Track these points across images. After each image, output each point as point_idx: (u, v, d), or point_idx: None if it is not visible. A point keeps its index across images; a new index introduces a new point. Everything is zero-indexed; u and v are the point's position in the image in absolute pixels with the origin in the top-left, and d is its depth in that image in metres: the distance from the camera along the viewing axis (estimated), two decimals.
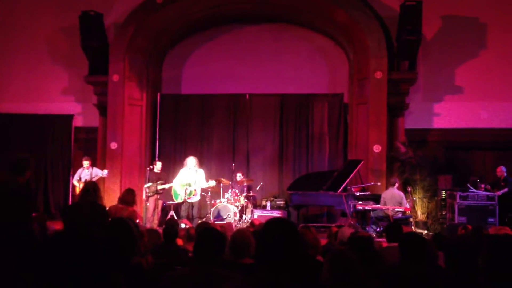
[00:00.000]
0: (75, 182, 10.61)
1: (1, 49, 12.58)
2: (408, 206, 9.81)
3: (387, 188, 10.23)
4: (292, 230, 2.17)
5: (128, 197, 7.11)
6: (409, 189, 10.41)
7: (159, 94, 12.48)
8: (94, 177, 10.41)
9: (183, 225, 8.75)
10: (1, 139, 12.20)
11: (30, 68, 12.51)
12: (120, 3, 11.89)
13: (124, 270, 2.38)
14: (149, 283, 3.25)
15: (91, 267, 1.98)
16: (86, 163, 10.52)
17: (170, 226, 5.07)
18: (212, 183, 10.39)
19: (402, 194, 9.92)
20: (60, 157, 12.26)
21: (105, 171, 10.48)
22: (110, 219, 4.89)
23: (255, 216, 10.34)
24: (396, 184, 10.00)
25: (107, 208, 5.86)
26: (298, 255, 2.16)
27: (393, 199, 9.79)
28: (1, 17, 12.59)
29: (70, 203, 11.78)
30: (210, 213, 10.42)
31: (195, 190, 10.19)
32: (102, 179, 10.75)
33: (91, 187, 5.68)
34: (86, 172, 10.49)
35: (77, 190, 10.51)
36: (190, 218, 10.10)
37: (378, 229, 9.47)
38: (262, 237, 2.21)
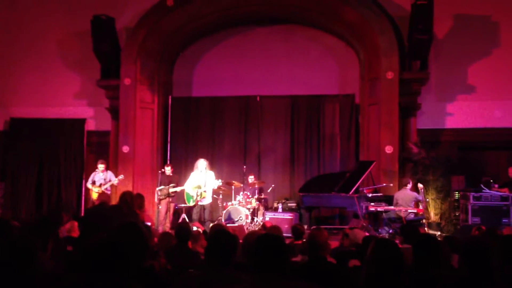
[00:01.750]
0: (89, 186, 10.67)
1: (13, 53, 12.69)
2: (424, 202, 9.71)
3: (399, 189, 10.15)
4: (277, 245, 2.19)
5: (136, 201, 7.17)
6: (421, 187, 10.22)
7: (170, 97, 12.52)
8: (107, 182, 10.47)
9: (195, 228, 8.75)
10: (14, 144, 12.32)
11: (42, 73, 12.61)
12: (131, 7, 11.96)
13: (136, 273, 2.39)
14: (162, 285, 3.26)
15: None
16: (101, 167, 10.58)
17: (182, 229, 5.08)
18: (218, 182, 10.33)
19: (415, 194, 9.82)
20: (73, 161, 12.33)
21: (120, 177, 10.51)
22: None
23: (267, 219, 10.31)
24: (409, 185, 9.91)
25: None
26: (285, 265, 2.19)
27: (406, 200, 9.70)
28: (13, 22, 12.71)
29: (82, 207, 11.87)
30: (221, 216, 10.41)
31: (205, 191, 10.16)
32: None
33: (128, 196, 5.85)
34: (100, 176, 10.55)
35: (92, 194, 10.57)
36: (201, 221, 10.10)
37: (390, 231, 9.40)
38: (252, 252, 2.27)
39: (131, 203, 5.90)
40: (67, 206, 11.55)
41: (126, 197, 6.03)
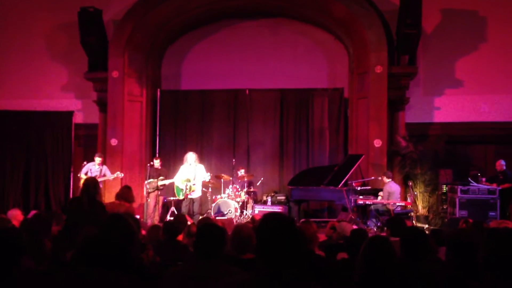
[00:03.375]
0: (82, 175, 10.51)
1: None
2: (397, 200, 9.76)
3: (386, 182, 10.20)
4: (288, 225, 2.16)
5: (127, 194, 7.13)
6: (410, 183, 10.40)
7: (159, 90, 12.46)
8: (102, 176, 10.39)
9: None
10: (0, 136, 12.19)
11: (29, 65, 12.49)
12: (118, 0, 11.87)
13: (124, 265, 2.39)
14: (151, 278, 3.25)
15: None
16: (98, 160, 10.52)
17: (171, 222, 5.08)
18: (207, 175, 10.32)
19: (393, 188, 9.83)
20: (60, 153, 12.25)
21: (119, 175, 10.48)
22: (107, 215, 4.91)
23: (256, 212, 10.35)
24: (385, 178, 9.95)
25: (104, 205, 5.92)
26: (298, 250, 2.15)
27: (385, 193, 9.79)
28: None
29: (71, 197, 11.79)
30: (211, 209, 10.42)
31: (194, 185, 10.16)
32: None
33: (91, 183, 5.70)
34: (96, 168, 10.48)
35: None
36: (191, 214, 10.08)
37: (379, 224, 9.47)
38: (258, 232, 2.20)
39: (94, 192, 5.70)
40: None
41: (89, 184, 5.79)
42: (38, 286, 2.61)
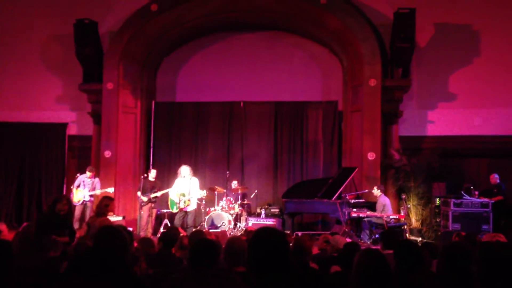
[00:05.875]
0: (74, 188, 10.47)
1: None
2: (390, 213, 9.78)
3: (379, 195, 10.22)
4: (280, 240, 2.16)
5: (104, 204, 7.22)
6: (404, 196, 10.42)
7: (153, 102, 12.47)
8: (93, 190, 10.37)
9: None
10: None
11: (23, 76, 12.48)
12: (115, 12, 11.90)
13: (117, 276, 2.38)
14: None
15: None
16: (89, 173, 10.51)
17: (168, 234, 5.06)
18: (203, 193, 10.32)
19: (384, 202, 9.87)
20: (54, 165, 12.22)
21: (103, 191, 10.44)
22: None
23: (250, 224, 10.32)
24: (377, 191, 10.00)
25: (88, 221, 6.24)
26: (288, 264, 2.15)
27: (380, 205, 9.83)
28: None
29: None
30: (204, 222, 10.38)
31: (189, 200, 10.12)
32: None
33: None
34: (88, 181, 10.46)
35: (74, 197, 10.38)
36: (184, 227, 10.04)
37: (373, 237, 9.46)
38: (250, 247, 2.20)
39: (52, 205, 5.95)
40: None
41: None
42: None
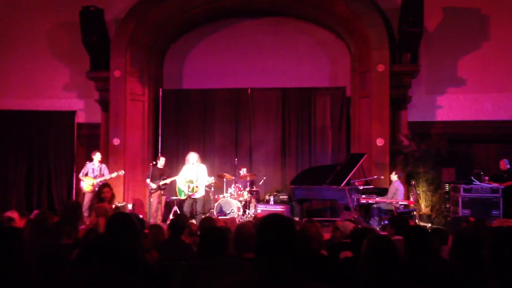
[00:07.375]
0: (81, 177, 10.38)
1: (1, 45, 12.57)
2: (401, 199, 9.73)
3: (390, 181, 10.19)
4: (288, 226, 2.16)
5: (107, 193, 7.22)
6: (413, 182, 10.38)
7: (161, 89, 12.46)
8: (101, 176, 10.26)
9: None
10: (3, 136, 12.22)
11: (31, 65, 12.50)
12: None
13: (129, 264, 2.38)
14: (155, 277, 3.26)
15: None
16: (98, 156, 10.36)
17: (176, 221, 5.07)
18: (211, 179, 10.32)
19: (398, 187, 9.83)
20: (62, 153, 12.27)
21: (113, 174, 10.36)
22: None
23: (259, 211, 10.34)
24: (395, 176, 9.95)
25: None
26: (297, 250, 2.14)
27: (392, 189, 9.81)
28: (1, 13, 12.56)
29: (74, 198, 11.77)
30: (213, 208, 10.41)
31: (197, 186, 10.11)
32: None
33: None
34: (95, 167, 10.33)
35: (84, 186, 10.30)
36: (193, 214, 10.08)
37: (382, 223, 9.45)
38: (258, 234, 2.20)
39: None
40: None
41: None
42: (41, 285, 2.60)
